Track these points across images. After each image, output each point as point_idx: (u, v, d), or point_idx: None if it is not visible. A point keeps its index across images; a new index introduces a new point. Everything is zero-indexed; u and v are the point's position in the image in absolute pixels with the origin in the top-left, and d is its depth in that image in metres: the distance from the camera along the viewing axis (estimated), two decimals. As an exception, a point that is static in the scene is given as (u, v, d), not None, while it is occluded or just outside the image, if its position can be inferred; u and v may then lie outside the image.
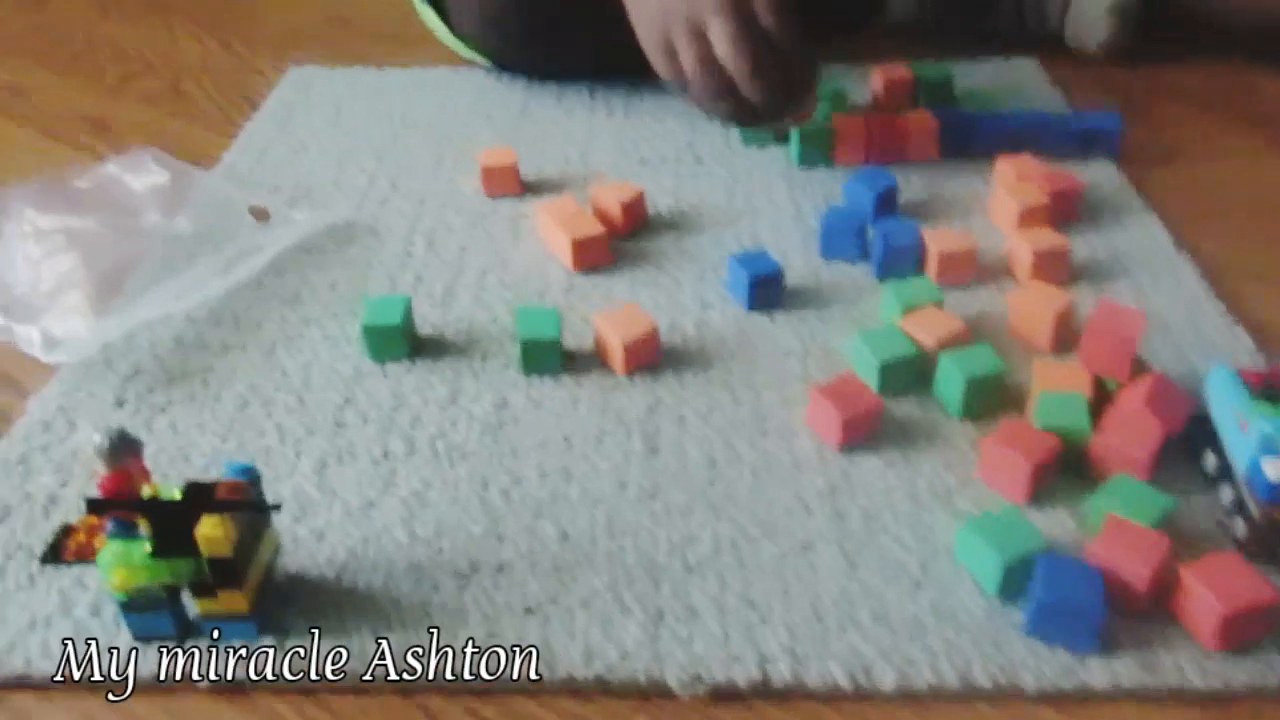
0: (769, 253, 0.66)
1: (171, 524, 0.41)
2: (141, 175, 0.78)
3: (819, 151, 0.81)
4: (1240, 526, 0.48)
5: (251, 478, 0.44)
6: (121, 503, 0.42)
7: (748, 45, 0.68)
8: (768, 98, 0.71)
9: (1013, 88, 0.92)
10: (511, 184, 0.78)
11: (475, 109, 0.91)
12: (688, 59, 0.71)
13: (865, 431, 0.55)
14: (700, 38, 0.70)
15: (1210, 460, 0.52)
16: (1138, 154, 0.82)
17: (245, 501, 0.42)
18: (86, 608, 0.47)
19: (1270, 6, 0.92)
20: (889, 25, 1.05)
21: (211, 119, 0.93)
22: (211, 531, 0.41)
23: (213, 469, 0.54)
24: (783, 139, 0.83)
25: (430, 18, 0.93)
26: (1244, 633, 0.44)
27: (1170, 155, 0.83)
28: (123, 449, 0.42)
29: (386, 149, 0.85)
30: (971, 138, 0.81)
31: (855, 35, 1.03)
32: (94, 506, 0.41)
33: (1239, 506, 0.49)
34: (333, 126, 0.89)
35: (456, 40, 0.93)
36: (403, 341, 0.61)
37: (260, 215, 0.74)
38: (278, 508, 0.42)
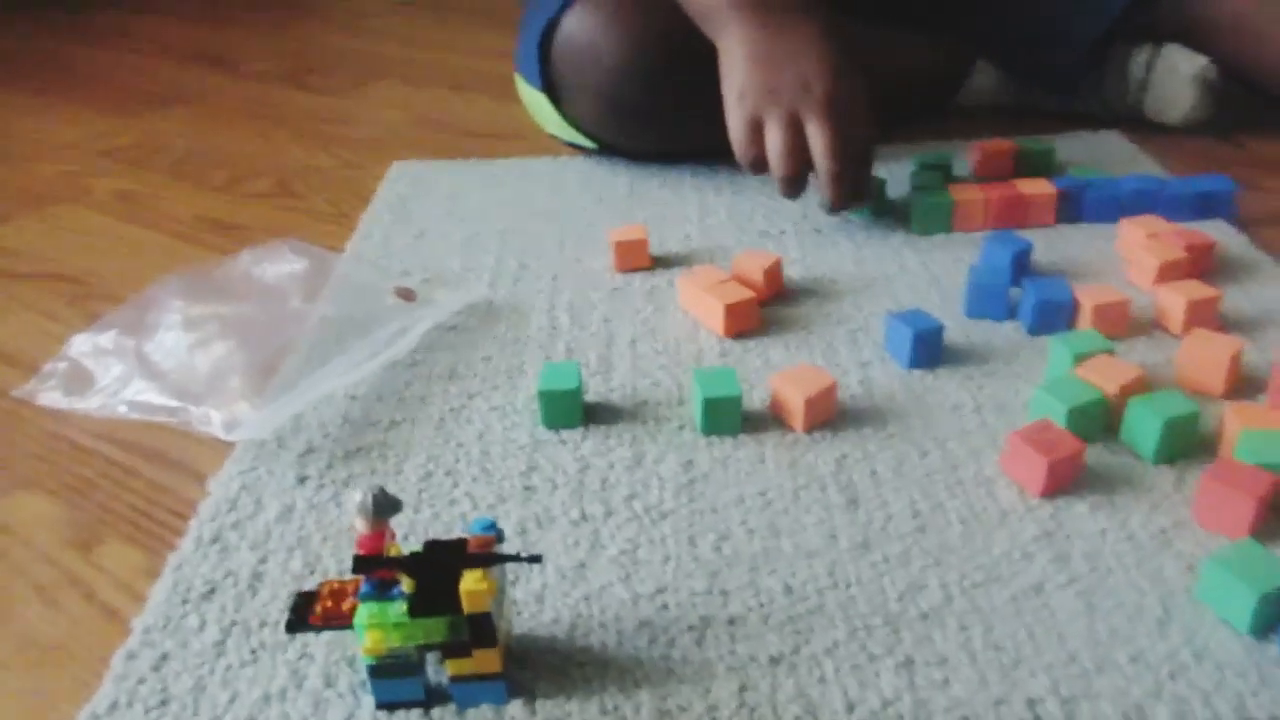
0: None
1: (437, 581, 0.41)
2: (279, 263, 0.79)
3: (938, 220, 0.82)
4: None
5: (497, 533, 0.44)
6: (388, 560, 0.41)
7: (841, 155, 0.74)
8: (839, 197, 0.76)
9: (1109, 159, 0.94)
10: (642, 258, 0.79)
11: (584, 192, 0.93)
12: (774, 140, 0.75)
13: (1067, 476, 0.55)
14: (792, 127, 0.75)
15: None
16: (1249, 217, 0.83)
17: (508, 555, 0.42)
18: (320, 678, 0.46)
19: None
20: (970, 105, 1.08)
21: (324, 213, 0.95)
22: (475, 586, 0.41)
23: (412, 538, 0.54)
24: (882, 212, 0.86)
25: (539, 100, 0.95)
26: None
27: (1282, 215, 0.85)
28: (385, 507, 0.41)
29: (507, 232, 0.86)
30: (1088, 204, 0.83)
31: (936, 114, 1.07)
32: (360, 565, 0.41)
33: None
34: (448, 214, 0.90)
35: (563, 123, 0.95)
36: (578, 406, 0.61)
37: (406, 296, 0.75)
38: (539, 559, 0.42)
